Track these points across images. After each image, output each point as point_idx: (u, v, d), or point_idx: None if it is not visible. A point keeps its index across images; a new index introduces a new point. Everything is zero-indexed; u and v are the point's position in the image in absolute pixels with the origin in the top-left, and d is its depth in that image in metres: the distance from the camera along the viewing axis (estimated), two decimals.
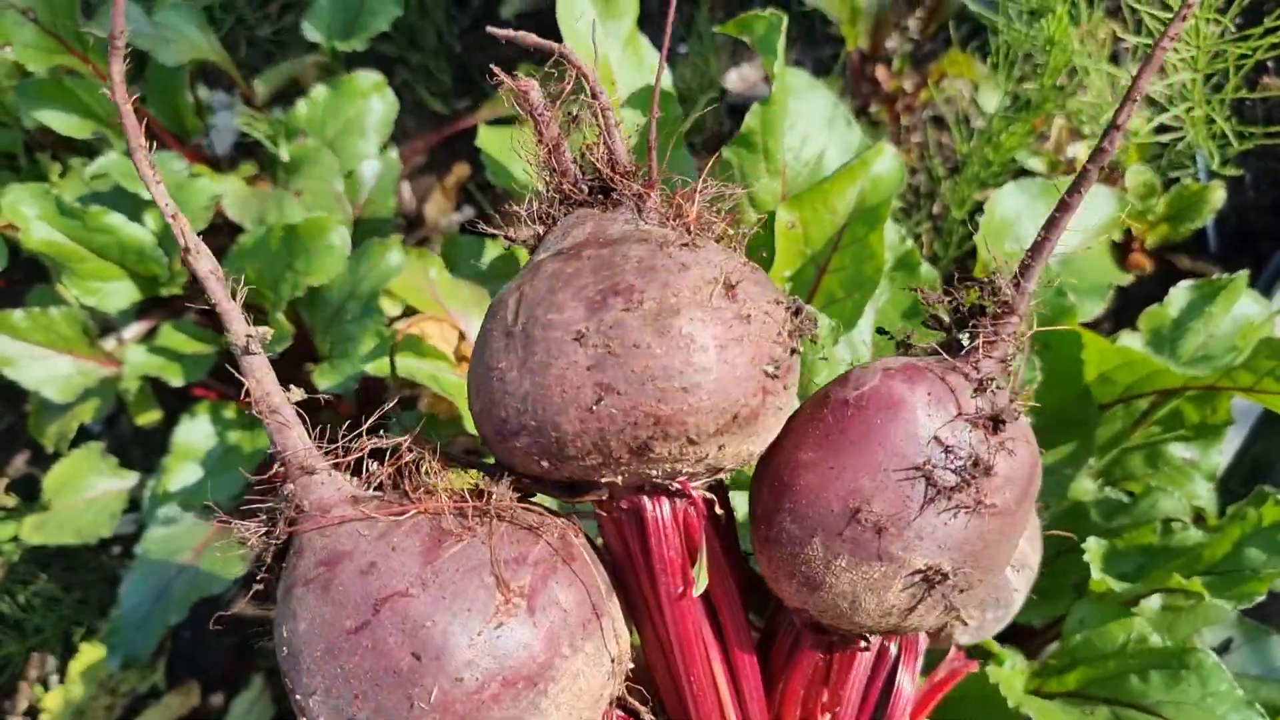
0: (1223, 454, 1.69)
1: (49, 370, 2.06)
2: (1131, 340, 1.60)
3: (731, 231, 0.81)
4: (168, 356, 2.12)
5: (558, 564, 0.70)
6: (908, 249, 1.56)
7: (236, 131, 2.66)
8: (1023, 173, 2.29)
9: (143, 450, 2.67)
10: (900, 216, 2.39)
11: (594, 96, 0.79)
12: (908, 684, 0.83)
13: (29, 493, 2.58)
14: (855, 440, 0.70)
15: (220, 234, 2.36)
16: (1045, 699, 1.30)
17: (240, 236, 1.98)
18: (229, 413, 2.12)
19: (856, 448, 0.69)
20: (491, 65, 0.86)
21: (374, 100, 2.17)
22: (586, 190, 0.80)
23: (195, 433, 2.09)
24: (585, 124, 0.81)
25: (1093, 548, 1.47)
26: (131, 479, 2.20)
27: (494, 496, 0.72)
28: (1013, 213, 1.72)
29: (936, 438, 0.69)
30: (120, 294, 2.05)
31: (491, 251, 2.06)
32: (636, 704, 0.76)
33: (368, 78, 2.17)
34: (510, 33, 0.81)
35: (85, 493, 2.18)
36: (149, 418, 2.42)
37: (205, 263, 0.76)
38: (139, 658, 1.94)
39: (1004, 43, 1.92)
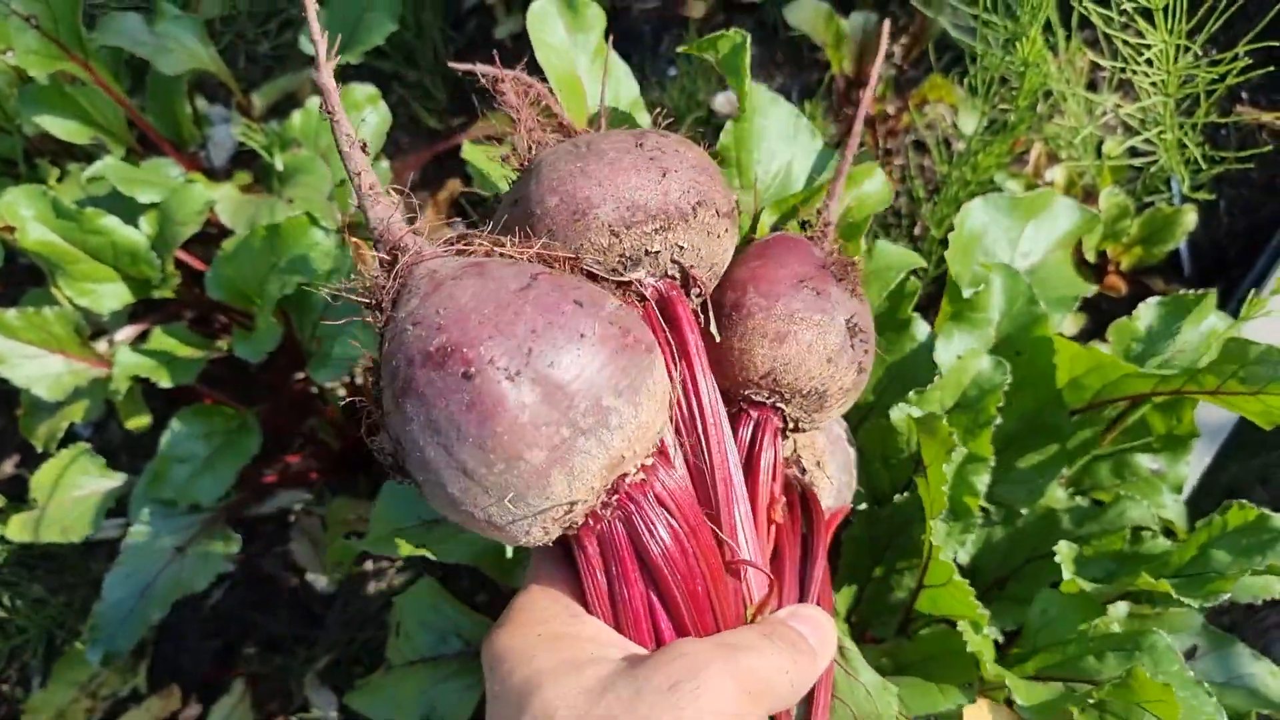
0: (1189, 466, 1.72)
1: (40, 369, 2.08)
2: (1106, 349, 1.64)
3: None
4: (158, 359, 2.14)
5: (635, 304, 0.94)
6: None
7: (233, 146, 2.71)
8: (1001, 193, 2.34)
9: (130, 456, 2.69)
10: (881, 234, 2.44)
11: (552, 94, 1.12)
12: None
13: (17, 494, 2.59)
14: (784, 252, 1.06)
15: (214, 241, 2.40)
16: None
17: (224, 241, 2.02)
18: (217, 416, 2.15)
19: (788, 254, 1.05)
20: (478, 67, 1.08)
21: (368, 113, 2.22)
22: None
23: (183, 434, 2.12)
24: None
25: (1064, 550, 1.50)
26: (119, 479, 2.22)
27: (573, 262, 0.92)
28: (980, 227, 1.77)
29: (827, 255, 1.11)
30: (113, 296, 2.09)
31: None
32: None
33: (362, 90, 2.21)
34: (468, 66, 1.06)
35: (73, 492, 2.20)
36: (138, 422, 2.44)
37: (344, 126, 0.93)
38: (120, 652, 1.95)
39: (981, 68, 1.97)
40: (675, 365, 0.93)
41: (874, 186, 1.43)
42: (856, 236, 1.38)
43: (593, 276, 0.92)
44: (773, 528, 1.01)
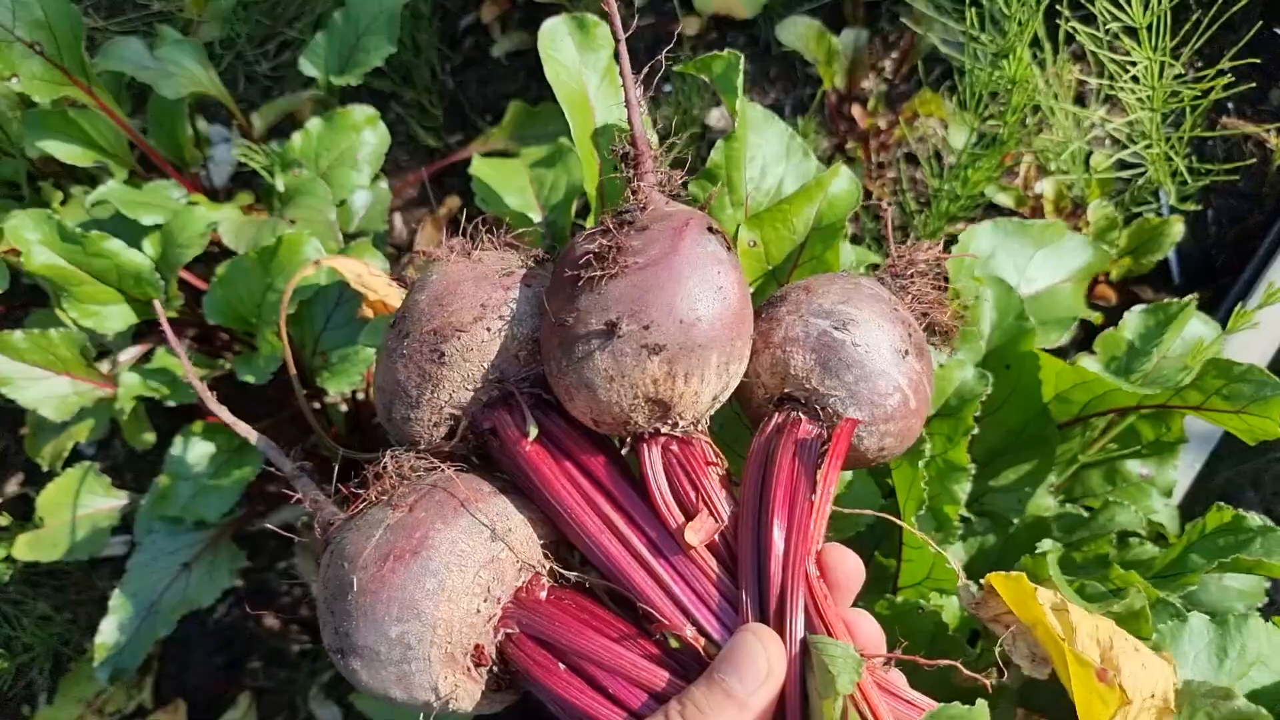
0: (1178, 470, 1.75)
1: (46, 390, 2.11)
2: (1089, 362, 1.67)
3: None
4: (161, 379, 2.18)
5: (436, 486, 0.95)
6: (854, 259, 1.66)
7: (234, 164, 2.74)
8: (991, 207, 2.38)
9: (134, 473, 2.72)
10: (874, 246, 2.48)
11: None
12: (776, 475, 0.94)
13: (23, 513, 2.62)
14: (552, 290, 0.98)
15: (216, 262, 2.43)
16: None
17: (218, 266, 2.05)
18: (221, 434, 2.18)
19: (552, 293, 0.97)
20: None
21: (367, 133, 2.25)
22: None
23: (188, 452, 2.15)
24: None
25: (1049, 549, 1.53)
26: (123, 498, 2.25)
27: (396, 463, 1.00)
28: (987, 249, 1.80)
29: (586, 250, 0.93)
30: (117, 317, 2.12)
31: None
32: (554, 564, 0.96)
33: (361, 111, 2.25)
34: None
35: (78, 511, 2.23)
36: (142, 440, 2.47)
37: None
38: (127, 669, 1.98)
39: (970, 83, 2.01)
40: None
41: (842, 186, 1.42)
42: (832, 241, 1.40)
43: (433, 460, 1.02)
44: (710, 526, 0.93)
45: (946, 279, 1.17)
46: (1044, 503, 1.74)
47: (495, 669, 0.91)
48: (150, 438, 2.49)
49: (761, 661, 0.84)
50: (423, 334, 0.97)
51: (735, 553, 0.93)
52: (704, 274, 0.90)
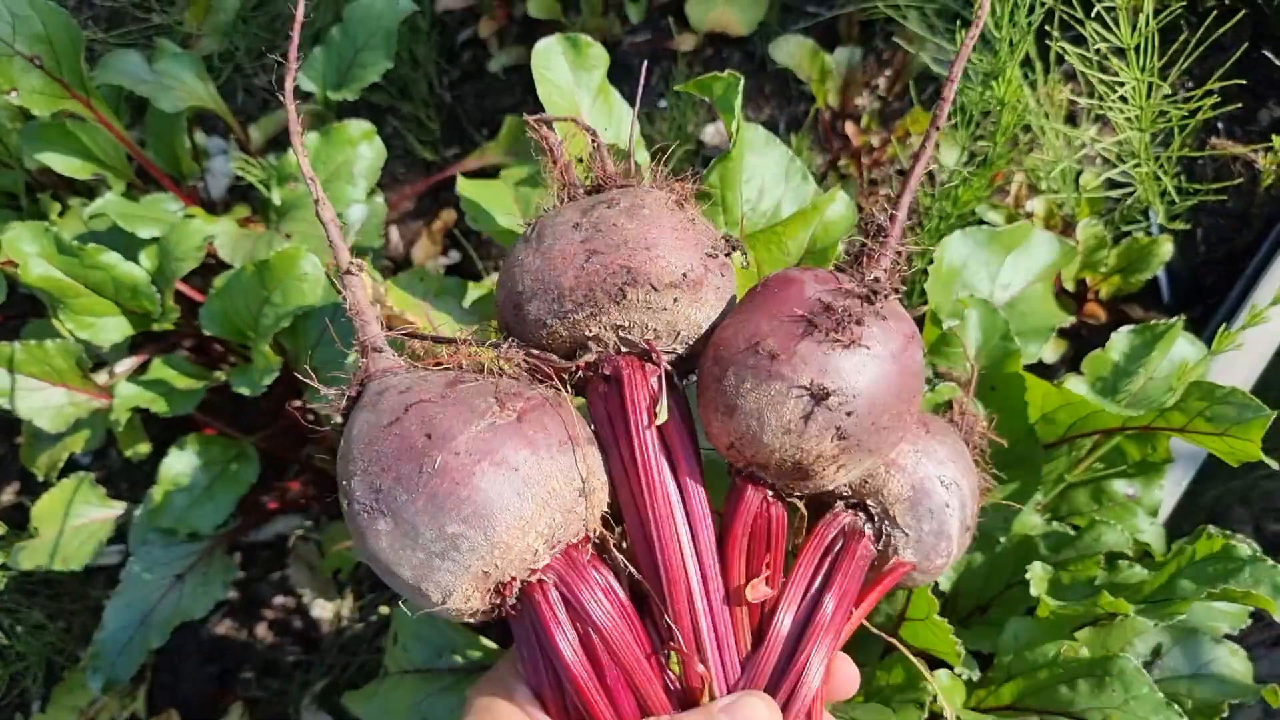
0: (1164, 490, 1.76)
1: (42, 401, 2.13)
2: (1075, 383, 1.68)
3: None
4: (157, 390, 2.19)
5: (546, 404, 0.91)
6: None
7: (231, 176, 2.76)
8: (982, 225, 2.39)
9: (129, 483, 2.73)
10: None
11: (594, 136, 1.07)
12: (848, 564, 0.99)
13: (17, 523, 2.63)
14: (759, 303, 0.92)
15: (213, 273, 2.45)
16: (983, 714, 1.37)
17: (215, 278, 2.07)
18: (216, 445, 2.19)
19: (760, 307, 0.91)
20: (526, 117, 1.09)
21: (363, 148, 2.27)
22: (584, 192, 1.06)
23: (182, 463, 2.16)
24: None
25: (1037, 572, 1.55)
26: (119, 508, 2.26)
27: (506, 355, 0.95)
28: (959, 260, 1.82)
29: (819, 298, 0.89)
30: (113, 329, 2.13)
31: (474, 294, 2.15)
32: (605, 533, 0.94)
33: (358, 126, 2.27)
34: (537, 118, 1.08)
35: (73, 520, 2.24)
36: (137, 451, 2.49)
37: (326, 211, 0.99)
38: (120, 680, 1.99)
39: (961, 103, 2.03)
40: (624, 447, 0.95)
41: (838, 211, 1.44)
42: (824, 263, 1.42)
43: (540, 368, 0.96)
44: (765, 593, 0.96)
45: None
46: (1031, 521, 1.76)
47: (509, 601, 0.89)
48: (145, 448, 2.50)
49: None
50: (614, 262, 0.91)
51: (770, 624, 0.96)
52: (909, 388, 0.92)
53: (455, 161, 2.80)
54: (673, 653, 0.94)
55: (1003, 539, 1.76)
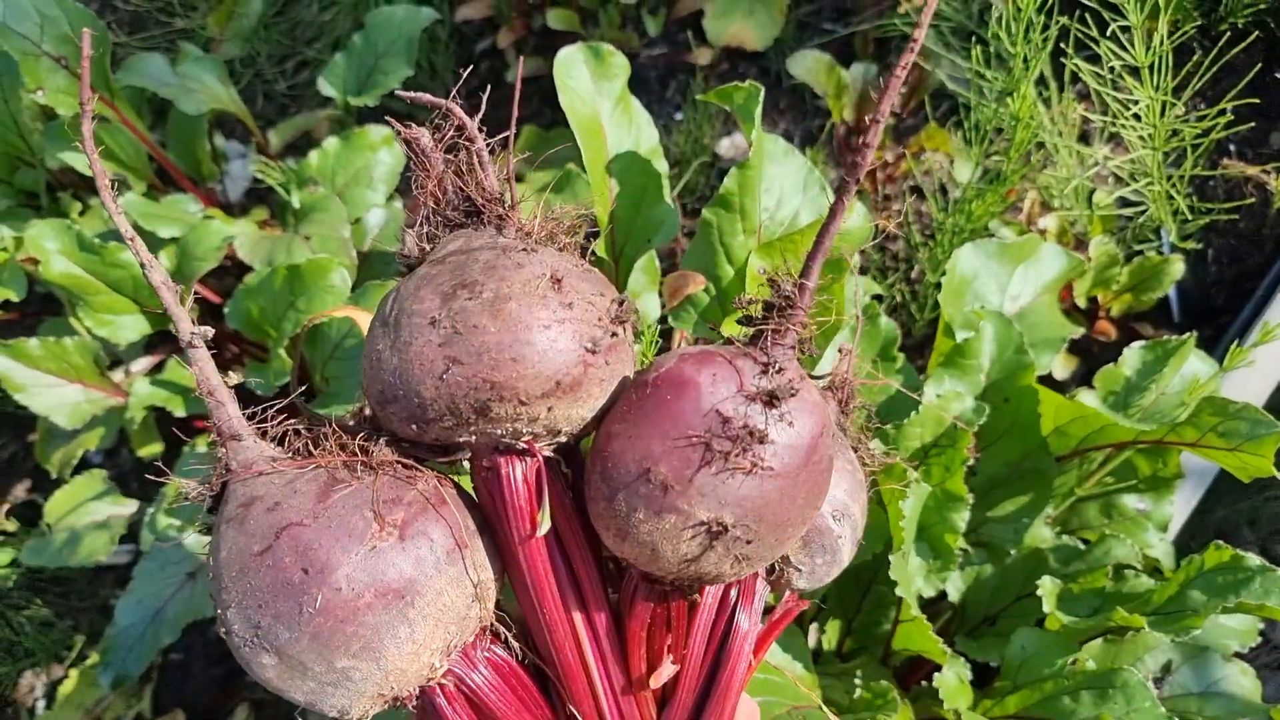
0: (1174, 505, 1.77)
1: (59, 398, 2.14)
2: (1088, 397, 1.70)
3: (568, 240, 0.95)
4: (172, 390, 2.21)
5: (428, 505, 0.85)
6: (869, 301, 1.69)
7: (249, 179, 2.78)
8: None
9: (141, 483, 2.74)
10: (878, 277, 2.51)
11: (471, 140, 0.94)
12: (745, 624, 0.93)
13: (29, 519, 2.65)
14: (649, 413, 0.82)
15: (229, 275, 2.47)
16: None
17: (247, 276, 2.09)
18: None
19: (650, 419, 0.82)
20: (387, 116, 1.00)
21: (383, 153, 2.29)
22: (463, 215, 0.95)
23: (198, 462, 2.17)
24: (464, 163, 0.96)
25: (1047, 586, 1.56)
26: (131, 506, 2.28)
27: (376, 453, 0.87)
28: (970, 271, 1.83)
29: (717, 410, 0.79)
30: (131, 327, 2.15)
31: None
32: (504, 629, 0.90)
33: (378, 131, 2.29)
34: (414, 94, 0.95)
35: (85, 518, 2.25)
36: (150, 450, 2.50)
37: (157, 274, 0.86)
38: (130, 675, 1.99)
39: (976, 119, 2.05)
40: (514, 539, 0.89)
41: (854, 222, 1.46)
42: (840, 274, 1.43)
43: (408, 454, 0.89)
44: (670, 673, 0.94)
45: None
46: (1041, 534, 1.77)
47: (410, 705, 0.86)
48: (158, 448, 2.52)
49: None
50: (477, 378, 0.82)
51: (675, 690, 0.94)
52: (818, 489, 0.86)
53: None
54: None
55: (1013, 551, 1.77)
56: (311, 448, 0.88)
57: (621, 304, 0.90)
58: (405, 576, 0.80)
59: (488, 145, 0.94)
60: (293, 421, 0.90)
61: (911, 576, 1.53)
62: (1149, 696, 1.27)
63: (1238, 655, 1.71)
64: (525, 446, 0.87)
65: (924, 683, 1.79)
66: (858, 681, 1.59)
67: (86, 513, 2.26)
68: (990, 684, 1.68)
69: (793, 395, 0.81)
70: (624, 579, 0.92)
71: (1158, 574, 1.81)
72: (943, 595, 1.81)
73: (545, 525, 0.86)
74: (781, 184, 1.56)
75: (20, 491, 2.79)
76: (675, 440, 0.80)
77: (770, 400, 0.80)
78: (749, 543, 0.82)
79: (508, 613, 0.91)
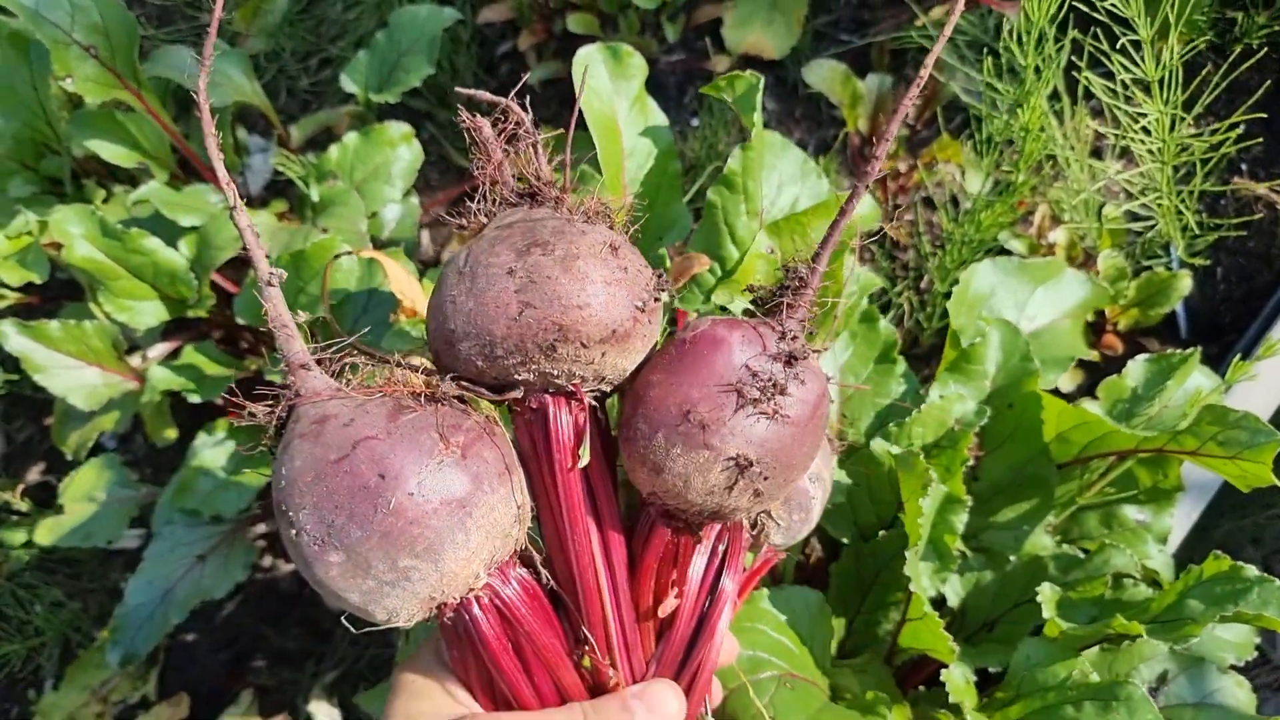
0: (1174, 518, 1.78)
1: (77, 380, 2.18)
2: (1090, 405, 1.72)
3: (616, 221, 1.07)
4: (188, 375, 2.24)
5: (483, 434, 0.96)
6: (868, 308, 1.74)
7: (269, 172, 2.82)
8: (1004, 253, 2.43)
9: (154, 469, 2.78)
10: (888, 285, 2.53)
11: (529, 133, 1.07)
12: (734, 566, 1.07)
13: (42, 501, 2.68)
14: (690, 365, 0.96)
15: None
16: None
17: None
18: (244, 433, 2.24)
19: (690, 370, 0.96)
20: (459, 106, 1.08)
21: (401, 149, 2.33)
22: (518, 196, 1.06)
23: (210, 449, 2.21)
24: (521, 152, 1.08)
25: (1046, 593, 1.57)
26: (143, 490, 2.31)
27: (441, 387, 0.97)
28: (986, 288, 1.86)
29: (747, 365, 0.94)
30: (150, 313, 2.19)
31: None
32: (533, 552, 1.00)
33: (397, 128, 2.32)
34: (474, 92, 1.07)
35: (99, 499, 2.28)
36: (163, 436, 2.54)
37: (243, 218, 0.97)
38: (138, 654, 2.02)
39: (987, 131, 2.07)
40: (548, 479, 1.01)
41: (860, 209, 1.50)
42: (840, 255, 1.47)
43: (469, 390, 0.99)
44: (673, 606, 1.07)
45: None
46: (1041, 542, 1.78)
47: (448, 614, 0.95)
48: (172, 434, 2.55)
49: (672, 707, 1.03)
50: (547, 318, 0.93)
51: (673, 623, 1.07)
52: (817, 440, 0.98)
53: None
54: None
55: (1013, 558, 1.79)
56: (376, 381, 0.97)
57: (661, 276, 1.03)
58: (466, 489, 0.90)
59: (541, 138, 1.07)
60: (354, 358, 1.00)
61: (922, 575, 1.55)
62: (1151, 711, 1.30)
63: (1234, 669, 1.72)
64: (574, 389, 0.98)
65: (921, 688, 1.81)
66: (863, 675, 1.61)
67: (100, 495, 2.29)
68: (988, 689, 1.70)
69: (805, 359, 0.95)
70: (640, 519, 1.04)
71: (1157, 586, 1.83)
72: (942, 600, 1.82)
73: (585, 458, 0.98)
74: (781, 172, 1.60)
75: (34, 474, 2.83)
76: (713, 387, 0.93)
77: (790, 360, 0.94)
78: (766, 479, 0.95)
79: (533, 545, 1.02)
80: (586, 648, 1.02)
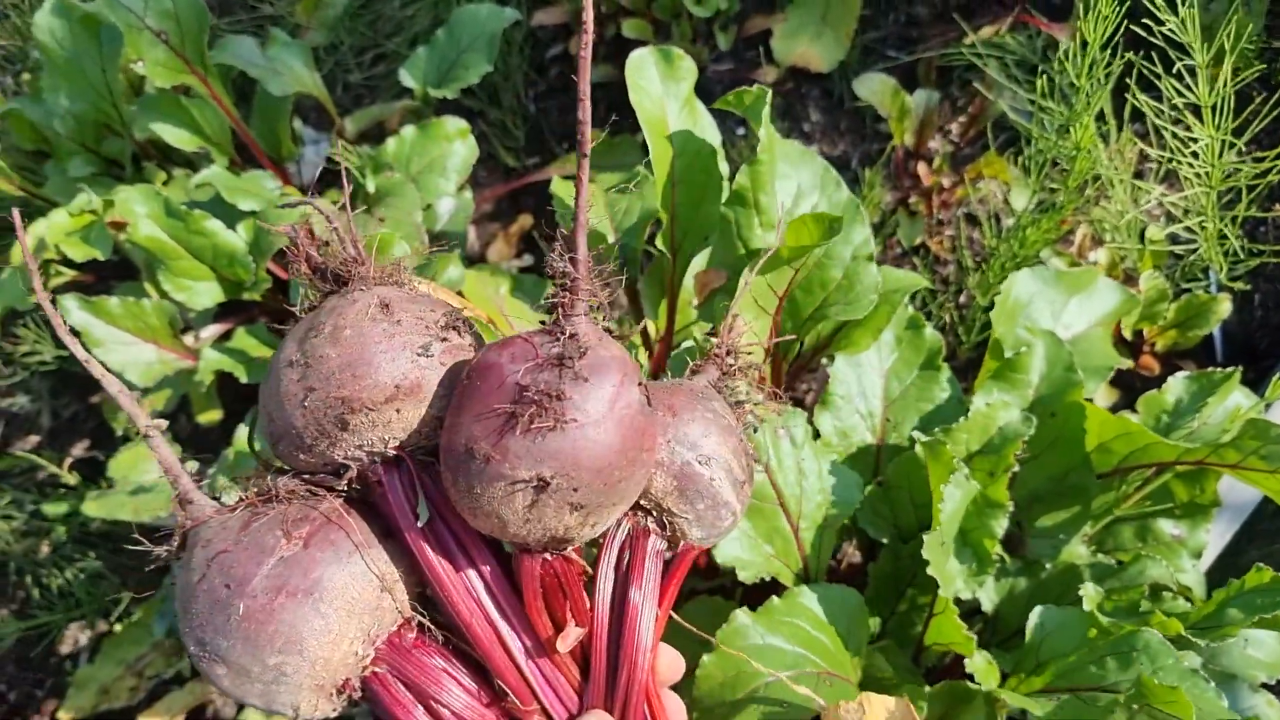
0: (1209, 534, 1.81)
1: (134, 355, 2.23)
2: (1135, 418, 1.74)
3: (406, 276, 1.08)
4: (238, 357, 2.29)
5: (329, 520, 0.96)
6: (913, 314, 1.80)
7: (322, 162, 2.88)
8: None
9: (196, 449, 2.83)
10: (929, 299, 2.56)
11: (329, 220, 1.04)
12: (639, 578, 1.03)
13: (88, 475, 2.74)
14: (466, 399, 0.92)
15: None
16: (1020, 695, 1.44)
17: None
18: None
19: (466, 404, 0.92)
20: (284, 202, 1.14)
21: (457, 144, 2.38)
22: (335, 283, 1.06)
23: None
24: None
25: (1089, 591, 1.60)
26: (192, 468, 2.36)
27: (283, 486, 0.98)
28: (1026, 296, 1.89)
29: (516, 382, 0.89)
30: (207, 293, 2.24)
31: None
32: (428, 621, 1.00)
33: (454, 123, 2.38)
34: (293, 200, 1.08)
35: (147, 474, 2.33)
36: (210, 416, 2.59)
37: (111, 384, 1.00)
38: None
39: (1036, 149, 2.11)
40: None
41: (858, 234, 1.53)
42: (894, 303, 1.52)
43: (309, 483, 1.00)
44: (578, 634, 1.04)
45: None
46: (1077, 551, 1.81)
47: (354, 695, 0.97)
48: (217, 415, 2.60)
49: None
50: (330, 397, 0.94)
51: (591, 648, 1.03)
52: (631, 437, 0.93)
53: (536, 170, 2.91)
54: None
55: (1049, 565, 1.81)
56: (252, 495, 0.99)
57: (451, 313, 1.02)
58: (311, 577, 0.92)
59: (335, 220, 1.05)
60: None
61: (951, 575, 1.58)
62: (1171, 654, 1.33)
63: (1265, 687, 1.74)
64: (395, 452, 0.98)
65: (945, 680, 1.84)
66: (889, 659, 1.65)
67: (150, 469, 2.34)
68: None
69: (582, 355, 0.90)
70: (513, 560, 1.01)
71: (1189, 603, 1.85)
72: (977, 606, 1.85)
73: (424, 516, 0.98)
74: (799, 181, 1.64)
75: (80, 449, 2.89)
76: (489, 414, 0.89)
77: (560, 362, 0.90)
78: (576, 490, 0.90)
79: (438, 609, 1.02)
80: (507, 702, 1.01)
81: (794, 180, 1.65)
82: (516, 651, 1.00)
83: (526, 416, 0.88)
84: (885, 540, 1.83)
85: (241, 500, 0.99)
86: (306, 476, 1.00)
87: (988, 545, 1.64)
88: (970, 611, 1.87)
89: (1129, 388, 2.43)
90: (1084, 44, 1.89)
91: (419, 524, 0.98)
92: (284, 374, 0.96)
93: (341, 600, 0.92)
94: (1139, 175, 2.51)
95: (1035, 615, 1.57)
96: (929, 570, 1.49)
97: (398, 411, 0.96)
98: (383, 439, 0.97)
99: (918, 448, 1.64)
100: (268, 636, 0.89)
